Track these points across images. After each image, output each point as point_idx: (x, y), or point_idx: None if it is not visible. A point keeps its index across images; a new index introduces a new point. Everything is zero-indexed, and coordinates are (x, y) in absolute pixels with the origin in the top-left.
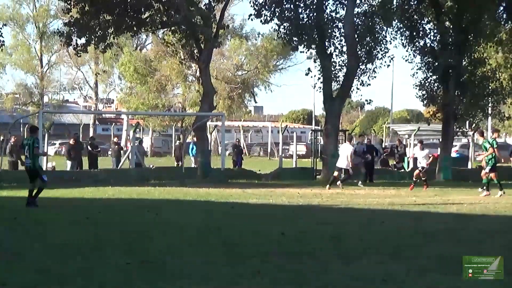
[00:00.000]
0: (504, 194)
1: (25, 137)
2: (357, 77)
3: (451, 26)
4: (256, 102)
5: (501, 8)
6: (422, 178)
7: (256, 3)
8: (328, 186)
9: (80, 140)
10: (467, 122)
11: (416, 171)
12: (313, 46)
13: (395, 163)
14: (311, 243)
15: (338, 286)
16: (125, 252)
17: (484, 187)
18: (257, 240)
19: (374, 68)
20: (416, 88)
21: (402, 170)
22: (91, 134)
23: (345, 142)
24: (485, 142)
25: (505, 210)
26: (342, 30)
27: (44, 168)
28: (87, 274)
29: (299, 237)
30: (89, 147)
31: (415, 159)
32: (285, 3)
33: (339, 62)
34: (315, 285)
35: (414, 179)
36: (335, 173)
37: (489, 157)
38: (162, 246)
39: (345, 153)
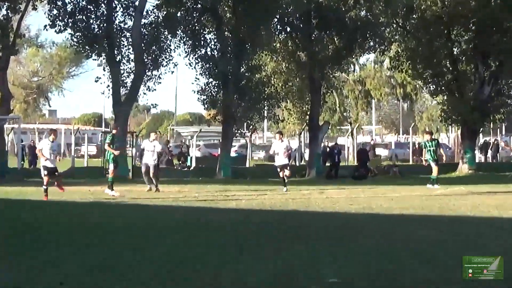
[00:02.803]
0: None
1: None
2: (144, 83)
3: (230, 36)
4: (50, 106)
5: (275, 20)
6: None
7: (51, 14)
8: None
9: None
10: (245, 124)
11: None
12: (103, 54)
13: (180, 162)
14: (104, 234)
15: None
16: None
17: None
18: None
19: (159, 74)
20: (198, 93)
21: (186, 169)
22: None
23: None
24: None
25: (280, 205)
26: (130, 40)
27: None
28: None
29: (90, 230)
30: None
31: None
32: (77, 14)
33: (127, 69)
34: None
35: None
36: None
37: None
38: None
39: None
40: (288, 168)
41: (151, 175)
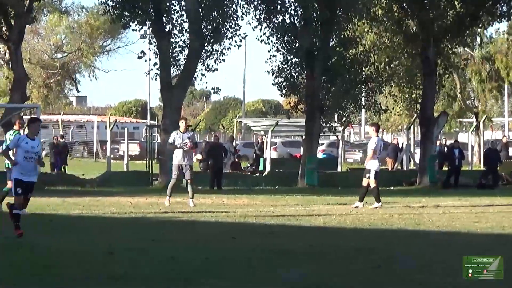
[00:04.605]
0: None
1: None
2: (202, 61)
3: None
4: (78, 91)
5: None
6: None
7: None
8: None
9: None
10: (336, 115)
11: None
12: (147, 22)
13: (248, 165)
14: (145, 264)
15: None
16: None
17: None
18: (79, 261)
19: (222, 49)
20: (273, 75)
21: (257, 174)
22: None
23: None
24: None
25: (382, 223)
26: (183, 3)
27: None
28: None
29: (131, 257)
30: None
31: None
32: None
33: (179, 42)
34: None
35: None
36: None
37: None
38: None
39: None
40: (371, 176)
41: (188, 179)
